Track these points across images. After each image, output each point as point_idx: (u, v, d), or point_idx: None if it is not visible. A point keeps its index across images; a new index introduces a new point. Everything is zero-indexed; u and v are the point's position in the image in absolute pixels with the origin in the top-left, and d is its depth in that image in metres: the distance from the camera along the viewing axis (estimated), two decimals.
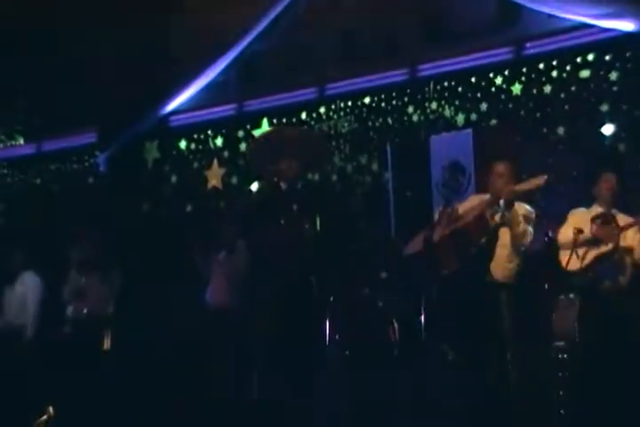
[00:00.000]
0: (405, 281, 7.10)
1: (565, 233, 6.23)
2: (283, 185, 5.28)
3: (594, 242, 6.09)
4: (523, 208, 6.10)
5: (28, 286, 8.82)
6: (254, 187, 5.27)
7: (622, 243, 6.06)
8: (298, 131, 5.74)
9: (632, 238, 6.10)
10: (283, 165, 5.35)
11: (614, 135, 7.53)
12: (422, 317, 6.82)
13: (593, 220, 6.19)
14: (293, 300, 5.22)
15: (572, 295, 6.19)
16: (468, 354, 5.94)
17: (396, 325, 6.97)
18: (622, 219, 6.18)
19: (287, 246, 5.23)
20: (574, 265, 6.03)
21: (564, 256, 6.15)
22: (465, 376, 5.93)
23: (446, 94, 8.51)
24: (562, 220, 6.43)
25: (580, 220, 6.26)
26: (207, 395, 7.50)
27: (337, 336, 6.83)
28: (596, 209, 6.32)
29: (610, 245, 6.04)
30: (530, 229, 6.07)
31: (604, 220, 6.15)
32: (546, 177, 5.83)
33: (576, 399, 5.83)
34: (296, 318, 5.26)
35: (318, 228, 5.27)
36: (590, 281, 6.07)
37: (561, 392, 5.91)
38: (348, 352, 6.77)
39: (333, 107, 9.21)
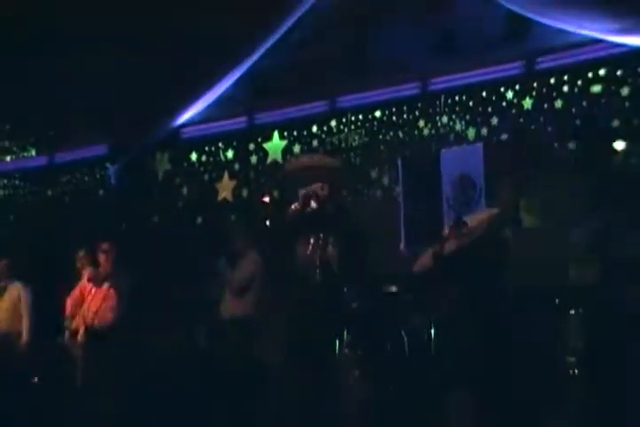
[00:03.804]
0: (416, 295, 7.11)
1: (569, 249, 6.25)
2: (314, 205, 5.61)
3: (599, 256, 6.09)
4: (531, 222, 6.12)
5: (20, 294, 8.84)
6: (292, 207, 5.62)
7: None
8: (328, 158, 6.30)
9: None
10: (315, 187, 5.68)
11: (625, 150, 7.52)
12: (432, 330, 6.85)
13: (592, 235, 6.20)
14: (311, 313, 5.38)
15: (581, 310, 6.20)
16: (480, 368, 5.94)
17: (406, 338, 6.98)
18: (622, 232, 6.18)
19: (316, 263, 5.52)
20: (582, 280, 6.04)
21: (572, 271, 6.16)
22: (475, 390, 5.92)
23: (457, 108, 8.53)
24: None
25: (580, 236, 6.27)
26: (218, 406, 7.50)
27: (347, 350, 6.83)
28: (594, 224, 6.32)
29: (613, 258, 6.05)
30: (537, 242, 6.08)
31: (605, 233, 6.15)
32: (553, 191, 5.86)
33: (588, 414, 5.82)
34: (310, 331, 5.39)
35: (345, 245, 5.55)
36: (599, 295, 6.07)
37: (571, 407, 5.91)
38: (358, 366, 6.78)
39: (344, 120, 9.24)
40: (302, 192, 5.67)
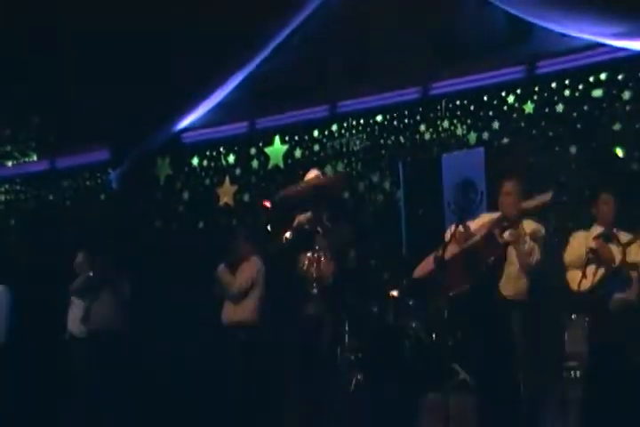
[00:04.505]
0: (417, 299, 7.11)
1: (571, 254, 6.25)
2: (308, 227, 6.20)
3: (599, 261, 6.08)
4: (530, 226, 6.13)
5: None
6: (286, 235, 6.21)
7: (627, 259, 6.06)
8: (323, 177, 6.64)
9: (636, 254, 6.10)
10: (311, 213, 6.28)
11: (627, 154, 7.51)
12: (434, 335, 6.84)
13: (595, 239, 6.19)
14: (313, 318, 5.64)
15: (582, 315, 6.19)
16: (480, 372, 5.94)
17: (407, 343, 6.97)
18: (624, 236, 6.19)
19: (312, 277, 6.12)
20: (583, 284, 6.02)
21: (572, 276, 6.15)
22: (477, 394, 5.93)
23: (458, 113, 8.52)
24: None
25: (582, 241, 6.27)
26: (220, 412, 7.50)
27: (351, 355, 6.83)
28: (597, 229, 6.32)
29: (616, 263, 6.05)
30: (537, 246, 6.09)
31: (607, 238, 6.16)
32: (552, 194, 5.86)
33: (588, 418, 5.81)
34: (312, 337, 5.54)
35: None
36: (600, 300, 6.06)
37: (572, 411, 5.90)
38: (359, 371, 6.78)
39: (345, 125, 9.23)
40: (296, 221, 6.18)
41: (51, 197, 11.17)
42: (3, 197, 11.51)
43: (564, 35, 7.79)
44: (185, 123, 10.08)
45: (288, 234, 6.15)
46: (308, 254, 6.15)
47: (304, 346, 5.78)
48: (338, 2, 9.23)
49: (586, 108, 7.81)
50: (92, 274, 8.46)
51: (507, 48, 8.26)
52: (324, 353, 5.77)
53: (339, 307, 6.05)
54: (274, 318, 7.35)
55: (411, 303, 7.21)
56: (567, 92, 7.94)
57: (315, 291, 5.98)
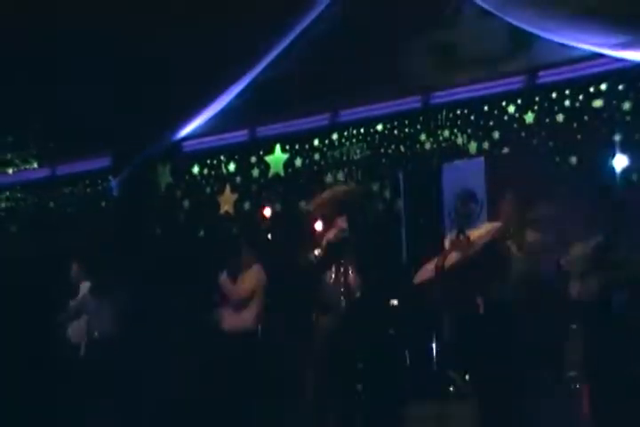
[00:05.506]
0: (417, 308, 7.12)
1: (571, 263, 6.27)
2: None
3: (600, 270, 6.11)
4: (532, 236, 6.14)
5: None
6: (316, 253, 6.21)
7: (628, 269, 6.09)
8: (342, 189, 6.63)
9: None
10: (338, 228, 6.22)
11: (627, 165, 7.53)
12: (434, 344, 6.86)
13: (593, 249, 6.22)
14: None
15: (582, 324, 6.21)
16: (480, 382, 5.95)
17: (407, 352, 6.98)
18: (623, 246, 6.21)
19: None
20: (585, 294, 6.04)
21: (573, 286, 6.17)
22: (477, 404, 5.93)
23: (459, 122, 8.54)
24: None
25: (581, 250, 6.30)
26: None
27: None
28: (595, 239, 6.34)
29: (615, 272, 6.07)
30: (538, 255, 6.12)
31: (606, 248, 6.18)
32: (554, 206, 5.89)
33: None
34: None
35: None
36: (600, 309, 6.08)
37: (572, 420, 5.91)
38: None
39: (346, 133, 9.25)
40: (325, 239, 6.10)
41: (51, 205, 11.17)
42: (3, 205, 11.50)
43: (564, 45, 7.82)
44: (186, 131, 10.09)
45: (317, 251, 6.10)
46: (334, 268, 6.09)
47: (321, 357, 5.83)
48: (338, 11, 9.25)
49: (586, 118, 7.83)
50: (90, 283, 8.47)
51: (507, 58, 8.28)
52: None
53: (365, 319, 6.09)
54: (276, 327, 7.37)
55: (411, 312, 7.23)
56: (567, 103, 7.96)
57: (342, 303, 5.93)
